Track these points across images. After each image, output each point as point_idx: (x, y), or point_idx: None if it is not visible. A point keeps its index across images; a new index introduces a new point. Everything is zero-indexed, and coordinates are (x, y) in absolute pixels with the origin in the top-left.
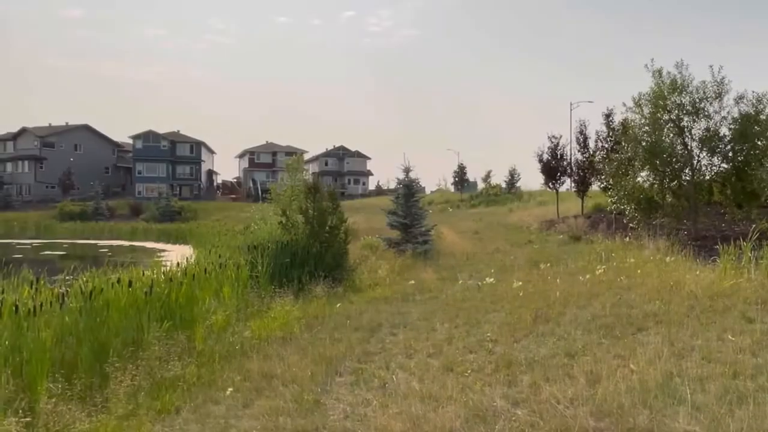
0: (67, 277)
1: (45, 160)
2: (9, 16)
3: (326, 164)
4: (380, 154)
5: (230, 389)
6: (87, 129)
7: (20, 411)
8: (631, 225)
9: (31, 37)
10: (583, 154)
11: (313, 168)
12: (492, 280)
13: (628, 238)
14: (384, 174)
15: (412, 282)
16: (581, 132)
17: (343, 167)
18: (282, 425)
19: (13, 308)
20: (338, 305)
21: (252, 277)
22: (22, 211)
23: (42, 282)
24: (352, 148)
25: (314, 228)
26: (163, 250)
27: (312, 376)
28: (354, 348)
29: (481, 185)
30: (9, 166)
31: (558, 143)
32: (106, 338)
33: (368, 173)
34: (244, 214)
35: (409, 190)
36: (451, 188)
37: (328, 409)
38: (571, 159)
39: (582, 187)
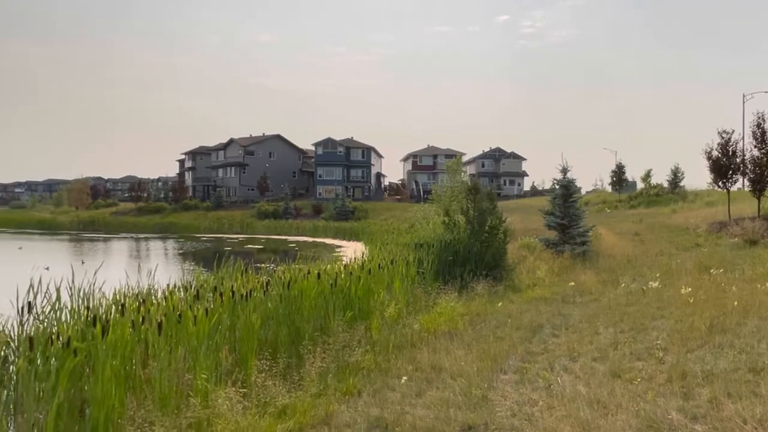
0: (268, 267)
1: (247, 166)
2: (218, 44)
3: (483, 165)
4: (535, 154)
5: (405, 378)
6: (279, 138)
7: (238, 382)
8: None
9: (235, 60)
10: (760, 149)
11: (470, 169)
12: (657, 284)
13: None
14: (539, 174)
15: (572, 283)
16: (759, 125)
17: (499, 168)
18: (453, 417)
19: (230, 293)
20: (499, 304)
21: (418, 273)
22: (229, 210)
23: (250, 272)
24: (508, 150)
25: (475, 228)
26: (340, 246)
27: (478, 372)
28: (516, 347)
29: (640, 185)
30: (220, 172)
31: (729, 139)
32: (300, 323)
33: (523, 174)
34: (408, 213)
35: (566, 190)
36: (608, 188)
37: (495, 405)
38: (744, 155)
39: (759, 186)
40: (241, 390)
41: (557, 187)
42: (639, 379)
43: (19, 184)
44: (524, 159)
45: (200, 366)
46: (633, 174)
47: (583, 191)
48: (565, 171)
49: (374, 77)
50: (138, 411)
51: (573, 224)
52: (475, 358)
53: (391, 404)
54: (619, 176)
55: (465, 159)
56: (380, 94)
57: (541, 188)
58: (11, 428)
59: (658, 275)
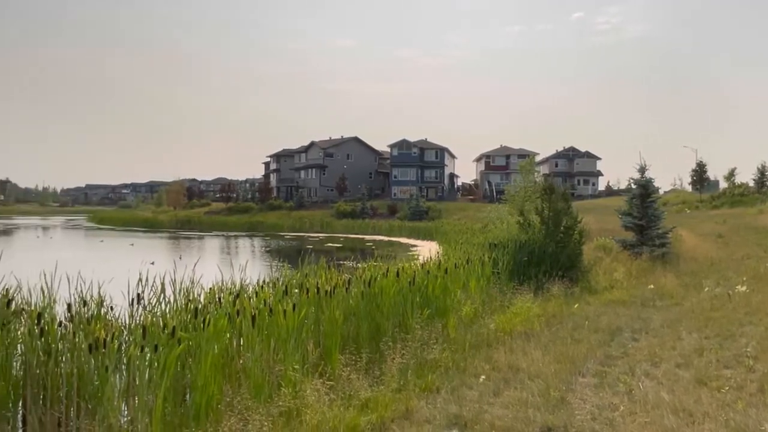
0: (349, 265)
1: (326, 167)
2: (299, 50)
3: (556, 165)
4: (611, 153)
5: (482, 377)
6: (356, 141)
7: (324, 375)
8: None
9: (314, 66)
10: None
11: (543, 169)
12: (744, 288)
13: None
14: (614, 174)
15: (651, 286)
16: None
17: (572, 168)
18: (531, 417)
19: (315, 290)
20: (575, 305)
21: (493, 273)
22: (311, 209)
23: (332, 269)
24: (582, 149)
25: (549, 228)
26: (415, 246)
27: (555, 373)
28: (595, 350)
29: (723, 184)
30: (302, 173)
31: None
32: (380, 320)
33: (598, 173)
34: (481, 213)
35: (644, 190)
36: (688, 188)
37: (574, 408)
38: None
39: None
40: (327, 382)
41: (634, 186)
42: (727, 388)
43: (125, 186)
44: (599, 158)
45: (289, 358)
46: (715, 173)
47: (660, 191)
48: (642, 170)
49: (448, 78)
50: (235, 398)
51: (651, 225)
52: (552, 360)
53: (470, 402)
54: (700, 175)
55: (538, 159)
56: (453, 95)
57: (616, 188)
58: (124, 409)
59: (744, 279)
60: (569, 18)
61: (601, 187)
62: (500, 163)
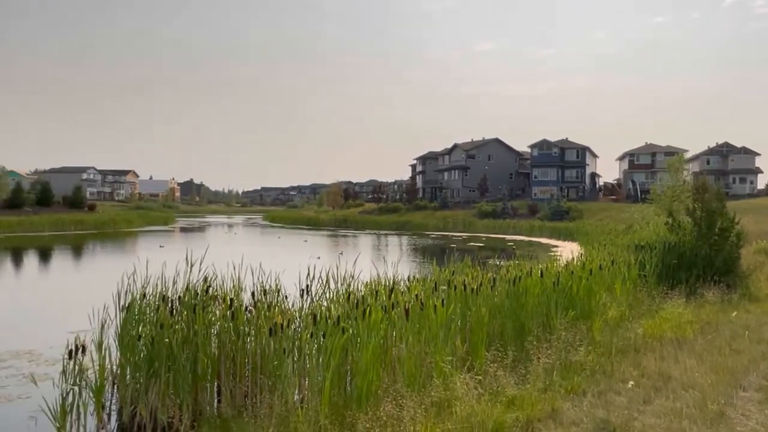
0: (495, 263)
1: (468, 169)
2: (441, 57)
3: (708, 163)
4: None
5: (631, 383)
6: (497, 142)
7: (472, 370)
8: None
9: (455, 71)
10: None
11: (693, 167)
12: None
13: None
14: None
15: None
16: None
17: (726, 165)
18: (686, 430)
19: (462, 286)
20: (733, 313)
21: (640, 275)
22: (453, 209)
23: (477, 268)
24: (738, 144)
25: (702, 230)
26: (556, 246)
27: (712, 385)
28: (758, 362)
29: None
30: (446, 175)
31: None
32: (524, 319)
33: (757, 171)
34: (624, 214)
35: None
36: None
37: (735, 424)
38: None
39: None
40: (475, 377)
41: None
42: None
43: (292, 188)
44: (758, 154)
45: (439, 351)
46: None
47: None
48: None
49: (588, 76)
50: (391, 386)
51: None
52: (708, 370)
53: (618, 408)
54: None
55: (687, 156)
56: (595, 93)
57: None
58: (296, 388)
59: None
60: (722, 4)
61: (761, 185)
62: (645, 162)
